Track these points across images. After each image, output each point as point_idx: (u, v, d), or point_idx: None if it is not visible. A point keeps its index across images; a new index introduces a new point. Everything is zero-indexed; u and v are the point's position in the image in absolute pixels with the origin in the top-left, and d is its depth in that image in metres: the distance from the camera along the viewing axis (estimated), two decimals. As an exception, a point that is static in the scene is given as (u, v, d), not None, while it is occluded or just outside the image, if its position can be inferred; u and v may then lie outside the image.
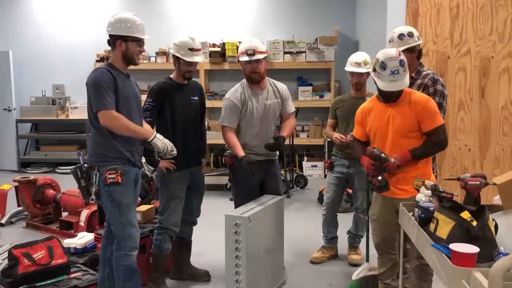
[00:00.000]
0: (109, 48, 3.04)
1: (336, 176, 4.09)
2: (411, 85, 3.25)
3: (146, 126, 3.25)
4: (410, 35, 3.26)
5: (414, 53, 3.29)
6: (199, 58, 3.54)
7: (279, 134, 3.67)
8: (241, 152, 3.53)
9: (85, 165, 3.03)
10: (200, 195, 3.81)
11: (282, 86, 3.77)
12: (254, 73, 3.55)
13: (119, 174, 2.93)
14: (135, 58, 3.03)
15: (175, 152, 3.08)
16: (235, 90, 3.65)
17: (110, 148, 2.93)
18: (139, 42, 3.00)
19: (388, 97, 2.88)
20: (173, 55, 3.55)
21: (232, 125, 3.62)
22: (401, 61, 2.78)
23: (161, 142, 2.99)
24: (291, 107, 3.79)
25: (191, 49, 3.48)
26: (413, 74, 3.29)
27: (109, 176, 2.90)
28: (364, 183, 3.99)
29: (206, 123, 6.65)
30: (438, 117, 2.84)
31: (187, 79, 3.59)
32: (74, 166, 3.07)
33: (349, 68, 3.94)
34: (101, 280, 3.21)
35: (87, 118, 3.09)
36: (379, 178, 2.85)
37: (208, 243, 4.24)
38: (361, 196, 4.06)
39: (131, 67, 3.08)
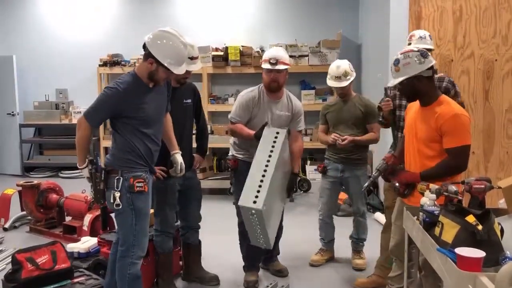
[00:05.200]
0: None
1: (330, 180, 4.09)
2: None
3: (173, 140, 3.26)
4: (431, 37, 3.30)
5: None
6: (198, 65, 3.47)
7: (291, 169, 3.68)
8: (251, 132, 3.53)
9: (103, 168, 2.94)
10: (198, 201, 3.77)
11: (297, 103, 3.75)
12: (273, 82, 3.56)
13: (146, 183, 2.90)
14: (159, 82, 2.95)
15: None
16: (251, 90, 3.67)
17: (135, 154, 2.89)
18: (171, 73, 2.92)
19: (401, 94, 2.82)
20: None
21: (241, 120, 3.63)
22: (395, 60, 2.72)
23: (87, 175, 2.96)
24: (302, 125, 3.76)
25: (191, 58, 3.38)
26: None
27: (137, 184, 2.86)
28: (359, 186, 4.00)
29: (209, 127, 6.70)
30: (461, 136, 2.63)
31: (183, 84, 3.53)
32: (93, 167, 2.94)
33: (330, 83, 3.96)
34: (107, 285, 3.18)
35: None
36: (397, 184, 2.84)
37: (212, 247, 4.24)
38: (358, 199, 4.07)
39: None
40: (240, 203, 3.12)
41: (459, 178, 2.71)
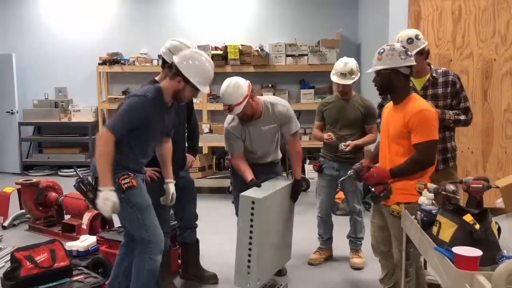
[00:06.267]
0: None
1: (327, 179, 4.10)
2: (433, 85, 3.27)
3: (169, 167, 3.24)
4: (418, 37, 3.26)
5: (423, 55, 3.27)
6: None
7: (293, 176, 3.67)
8: (249, 176, 3.47)
9: (89, 177, 2.91)
10: (193, 200, 3.78)
11: (279, 109, 3.55)
12: (242, 117, 3.49)
13: (132, 177, 2.86)
14: (183, 100, 3.00)
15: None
16: (231, 120, 3.57)
17: (127, 159, 2.87)
18: (197, 91, 2.94)
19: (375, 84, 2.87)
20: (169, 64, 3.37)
21: (239, 151, 3.57)
22: (381, 49, 2.80)
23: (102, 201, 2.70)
24: (294, 127, 3.61)
25: None
26: (434, 74, 3.30)
27: (123, 182, 2.81)
28: (355, 185, 4.01)
29: (208, 126, 6.70)
30: (427, 131, 2.67)
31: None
32: (76, 181, 2.86)
33: (334, 78, 3.94)
34: (109, 284, 3.17)
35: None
36: (372, 189, 2.89)
37: (211, 245, 4.25)
38: (354, 198, 4.08)
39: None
40: (234, 284, 3.25)
41: (429, 174, 2.75)
